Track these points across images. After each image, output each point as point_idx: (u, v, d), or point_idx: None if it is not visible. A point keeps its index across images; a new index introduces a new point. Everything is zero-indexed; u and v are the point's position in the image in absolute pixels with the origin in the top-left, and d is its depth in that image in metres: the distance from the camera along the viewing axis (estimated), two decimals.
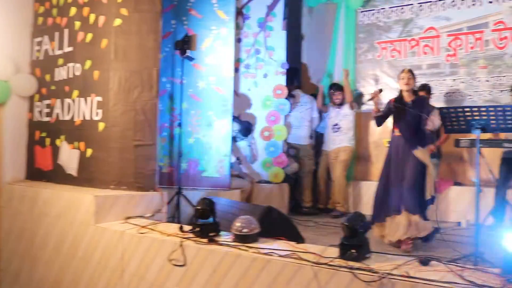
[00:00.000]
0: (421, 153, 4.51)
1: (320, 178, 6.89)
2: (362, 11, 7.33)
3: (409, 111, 4.58)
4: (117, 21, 4.66)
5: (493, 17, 6.35)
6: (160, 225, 3.97)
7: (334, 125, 6.61)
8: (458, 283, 2.44)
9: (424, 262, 2.80)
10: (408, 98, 4.66)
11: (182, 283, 3.40)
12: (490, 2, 6.36)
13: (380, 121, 4.85)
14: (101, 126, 4.70)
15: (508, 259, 2.47)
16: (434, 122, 4.46)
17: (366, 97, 7.04)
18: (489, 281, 2.44)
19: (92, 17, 4.83)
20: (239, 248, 3.21)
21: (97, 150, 4.74)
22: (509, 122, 3.83)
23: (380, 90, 4.87)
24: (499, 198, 5.34)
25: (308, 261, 2.88)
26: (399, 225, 4.48)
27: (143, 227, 3.89)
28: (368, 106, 7.18)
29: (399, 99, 4.70)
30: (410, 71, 4.70)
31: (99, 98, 4.73)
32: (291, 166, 6.70)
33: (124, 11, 4.64)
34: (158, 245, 3.59)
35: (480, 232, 3.82)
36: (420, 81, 6.61)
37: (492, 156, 5.56)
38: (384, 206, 4.63)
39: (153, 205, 4.47)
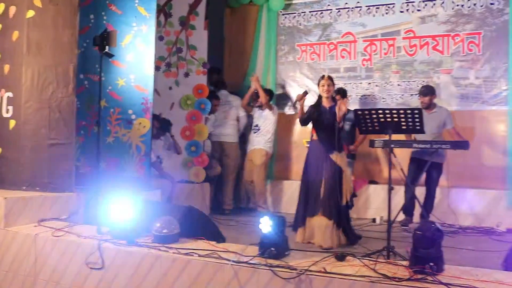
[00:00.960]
0: (336, 157, 4.66)
1: (242, 178, 6.95)
2: (283, 14, 7.49)
3: (327, 117, 4.73)
4: (30, 13, 4.42)
5: (404, 25, 6.76)
6: (76, 228, 3.83)
7: (255, 126, 6.69)
8: (371, 276, 2.57)
9: (340, 257, 2.91)
10: (326, 104, 4.81)
11: (100, 286, 3.30)
12: (402, 11, 6.76)
13: (305, 122, 4.86)
14: (12, 123, 4.44)
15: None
16: (341, 108, 4.61)
17: (292, 98, 7.16)
18: (398, 273, 2.59)
19: (1, 7, 4.56)
20: (159, 249, 3.17)
21: (7, 149, 4.48)
22: (417, 124, 4.08)
23: (305, 93, 4.83)
24: (408, 195, 5.66)
25: (228, 260, 2.90)
26: (315, 228, 4.61)
27: (58, 230, 3.73)
28: (288, 107, 7.38)
29: (318, 104, 4.83)
30: (330, 78, 4.84)
31: (10, 94, 4.48)
32: (216, 169, 6.71)
33: (37, 2, 4.43)
34: (74, 248, 3.46)
35: (392, 228, 4.04)
36: (338, 83, 6.89)
37: (404, 156, 5.92)
38: (304, 210, 4.75)
39: (69, 206, 4.30)
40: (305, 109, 4.84)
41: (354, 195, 4.90)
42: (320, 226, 4.55)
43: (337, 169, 4.62)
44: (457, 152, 5.61)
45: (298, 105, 4.84)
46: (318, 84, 4.87)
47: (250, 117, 7.00)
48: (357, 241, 4.74)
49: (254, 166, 6.62)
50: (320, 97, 4.85)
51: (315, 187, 4.66)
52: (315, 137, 4.81)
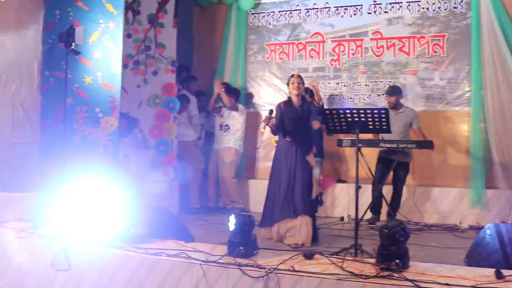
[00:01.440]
0: (311, 159, 4.74)
1: (210, 177, 6.92)
2: (252, 13, 7.50)
3: (298, 116, 4.74)
4: None
5: (371, 27, 6.87)
6: (41, 229, 3.74)
7: (225, 125, 6.67)
8: (339, 274, 2.60)
9: (308, 256, 2.93)
10: (297, 102, 4.84)
11: None
12: (369, 13, 6.87)
13: (277, 132, 4.86)
14: None
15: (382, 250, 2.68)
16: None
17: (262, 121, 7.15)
18: (365, 271, 2.63)
19: None
20: (127, 250, 3.13)
21: None
22: (384, 124, 4.16)
23: (271, 112, 4.79)
24: (375, 194, 5.76)
25: (197, 259, 2.89)
26: (291, 229, 4.63)
27: (22, 231, 3.64)
28: (257, 106, 7.40)
29: (289, 103, 4.85)
30: (299, 77, 4.86)
31: None
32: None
33: None
34: (39, 249, 3.38)
35: (360, 226, 4.10)
36: (306, 83, 6.93)
37: (372, 155, 6.01)
38: (274, 211, 4.75)
39: (34, 207, 4.19)
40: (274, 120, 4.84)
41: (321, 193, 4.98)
42: (303, 225, 4.58)
43: (310, 168, 4.68)
44: (422, 151, 5.75)
45: (263, 127, 4.71)
46: (288, 83, 4.89)
47: (210, 116, 7.01)
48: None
49: (225, 165, 6.63)
50: (290, 96, 4.87)
51: (293, 190, 4.67)
52: (287, 138, 4.80)
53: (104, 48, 5.35)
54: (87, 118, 5.34)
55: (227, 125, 6.67)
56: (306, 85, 5.43)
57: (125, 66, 6.06)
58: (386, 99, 6.06)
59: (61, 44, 4.87)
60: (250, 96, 7.45)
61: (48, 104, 5.19)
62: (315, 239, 4.73)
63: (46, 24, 4.79)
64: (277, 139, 5.06)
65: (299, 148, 4.72)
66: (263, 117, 4.85)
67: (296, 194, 4.64)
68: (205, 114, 7.16)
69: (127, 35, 6.31)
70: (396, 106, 5.93)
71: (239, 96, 6.93)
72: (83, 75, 5.31)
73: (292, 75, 4.91)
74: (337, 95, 7.01)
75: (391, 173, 5.84)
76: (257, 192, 6.82)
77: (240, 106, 6.81)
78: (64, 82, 4.90)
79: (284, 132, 4.80)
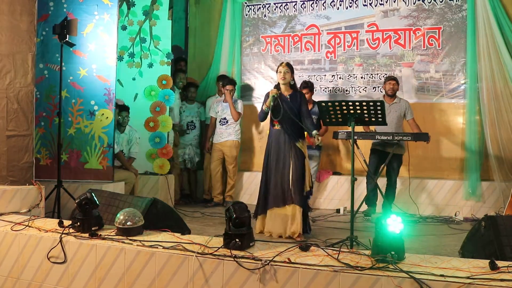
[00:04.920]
0: (301, 145, 4.71)
1: (208, 170, 6.90)
2: (248, 5, 7.47)
3: (287, 106, 4.71)
4: None
5: (367, 19, 6.86)
6: (37, 221, 3.73)
7: (223, 119, 6.61)
8: (335, 266, 2.61)
9: (304, 248, 2.94)
10: (286, 92, 4.81)
11: (62, 281, 3.24)
12: (365, 5, 6.86)
13: (264, 116, 4.86)
14: None
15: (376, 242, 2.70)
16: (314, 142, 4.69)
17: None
18: (361, 262, 2.64)
19: None
20: (123, 242, 3.13)
21: None
22: (380, 116, 4.16)
23: (267, 96, 4.78)
24: (370, 186, 5.78)
25: (193, 252, 2.89)
26: (281, 218, 4.64)
27: (17, 224, 3.63)
28: (253, 99, 7.38)
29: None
30: (288, 65, 4.78)
31: None
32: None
33: None
34: (35, 242, 3.38)
35: (355, 218, 4.11)
36: (302, 75, 6.95)
37: (367, 147, 6.02)
38: (267, 199, 4.75)
39: (30, 199, 4.19)
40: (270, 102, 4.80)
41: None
42: (294, 214, 4.58)
43: (302, 157, 4.66)
44: (417, 143, 5.76)
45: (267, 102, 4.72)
46: (276, 71, 4.86)
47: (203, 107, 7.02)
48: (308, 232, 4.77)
49: (228, 157, 6.59)
50: (278, 85, 4.82)
51: (282, 177, 4.66)
52: (276, 126, 4.79)
53: (98, 40, 5.33)
54: (82, 110, 5.33)
55: (224, 118, 6.61)
56: (305, 79, 5.37)
57: (120, 58, 6.04)
58: (385, 88, 6.00)
59: (55, 36, 4.85)
60: (246, 88, 7.43)
61: (42, 97, 5.17)
62: (305, 229, 4.73)
63: (39, 16, 4.75)
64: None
65: (290, 136, 4.70)
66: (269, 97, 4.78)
67: (289, 182, 4.63)
68: (197, 104, 7.11)
69: (122, 27, 6.29)
70: (394, 94, 5.95)
71: (235, 86, 6.82)
72: (78, 67, 5.30)
73: (281, 64, 4.82)
74: (332, 87, 7.01)
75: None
76: (253, 184, 6.83)
77: (240, 104, 6.72)
78: (59, 74, 4.89)
79: (274, 115, 4.77)
